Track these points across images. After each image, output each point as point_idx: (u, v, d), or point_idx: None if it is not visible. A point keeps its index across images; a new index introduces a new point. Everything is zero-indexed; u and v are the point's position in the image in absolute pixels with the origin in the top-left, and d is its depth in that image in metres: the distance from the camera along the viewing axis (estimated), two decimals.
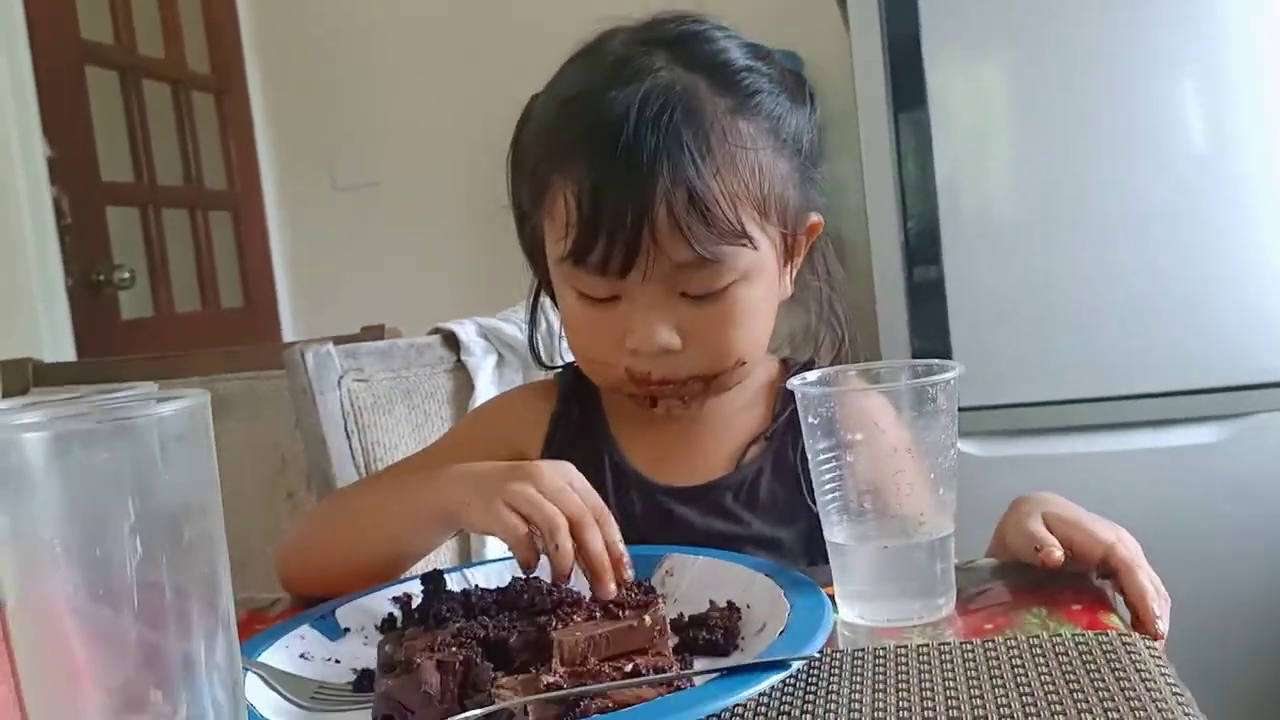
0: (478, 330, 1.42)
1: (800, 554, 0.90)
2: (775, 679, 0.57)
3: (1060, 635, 0.64)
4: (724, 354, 0.87)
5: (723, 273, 0.84)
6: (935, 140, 2.07)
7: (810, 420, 0.70)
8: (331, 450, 1.24)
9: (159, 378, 1.56)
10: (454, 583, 0.77)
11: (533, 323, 1.05)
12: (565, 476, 0.74)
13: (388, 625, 0.75)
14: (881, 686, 0.60)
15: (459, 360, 1.40)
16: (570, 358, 0.98)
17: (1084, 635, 0.64)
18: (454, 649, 0.61)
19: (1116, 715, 0.54)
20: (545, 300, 1.08)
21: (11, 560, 0.50)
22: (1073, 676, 0.59)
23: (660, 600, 0.65)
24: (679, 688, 0.59)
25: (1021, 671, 0.60)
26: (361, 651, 0.72)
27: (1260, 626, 1.90)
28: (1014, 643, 0.64)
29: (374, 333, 1.47)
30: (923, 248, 2.08)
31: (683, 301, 0.84)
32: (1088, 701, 0.56)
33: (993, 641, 0.64)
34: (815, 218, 0.93)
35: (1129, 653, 0.61)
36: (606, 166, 0.81)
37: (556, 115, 0.87)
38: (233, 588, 0.55)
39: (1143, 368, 1.95)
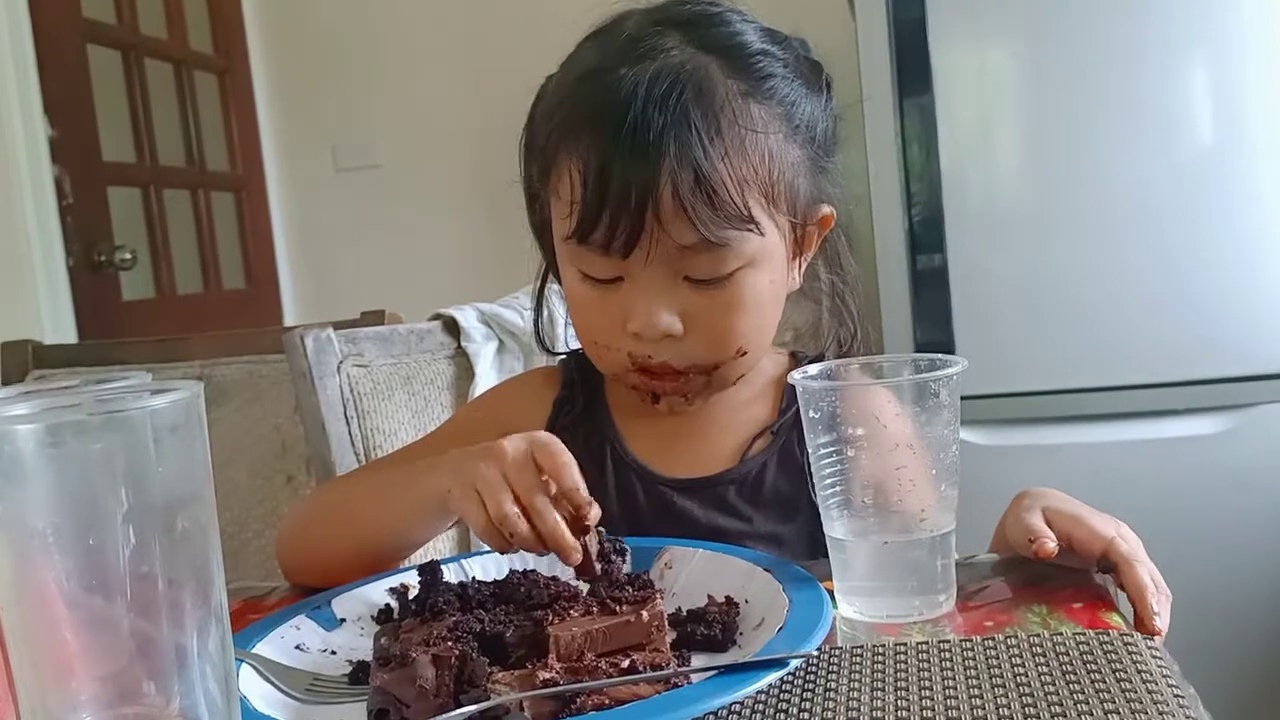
0: (478, 316, 1.41)
1: (803, 550, 0.89)
2: (772, 677, 0.56)
3: (1061, 634, 0.64)
4: (726, 342, 0.85)
5: (727, 258, 0.82)
6: (940, 128, 2.06)
7: (811, 415, 0.70)
8: (331, 436, 1.24)
9: (159, 361, 1.55)
10: (452, 573, 0.77)
11: (538, 308, 1.04)
12: (529, 450, 0.71)
13: (384, 616, 0.74)
14: (880, 685, 0.60)
15: (459, 346, 1.39)
16: (575, 345, 0.97)
17: (1084, 634, 0.63)
18: (450, 643, 0.60)
19: (1117, 716, 0.54)
20: (552, 286, 1.08)
21: (4, 551, 0.50)
22: (1073, 676, 0.58)
23: (658, 595, 0.64)
24: (676, 685, 0.58)
25: (1021, 670, 0.60)
26: (358, 642, 0.72)
27: (1261, 617, 1.89)
28: (1014, 641, 0.63)
29: (374, 319, 1.46)
30: (926, 236, 2.07)
31: (686, 286, 0.83)
32: (1088, 702, 0.55)
33: (992, 640, 0.64)
34: (827, 210, 0.91)
35: (1130, 652, 0.61)
36: (612, 144, 0.81)
37: (567, 93, 0.86)
38: (229, 574, 0.55)
39: (1145, 358, 1.95)
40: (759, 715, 0.58)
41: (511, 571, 0.73)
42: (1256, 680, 1.88)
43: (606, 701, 0.56)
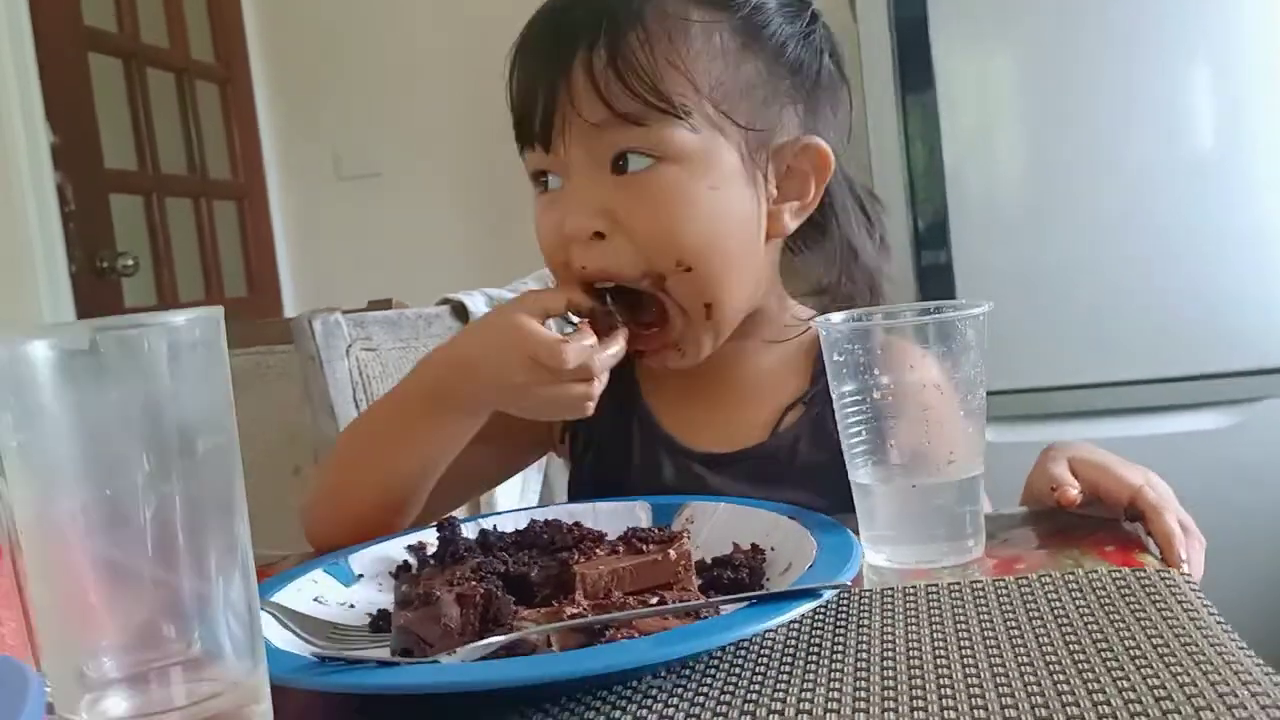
0: (487, 301, 1.40)
1: None
2: (806, 607, 0.55)
3: (1096, 572, 0.62)
4: (655, 244, 0.80)
5: (649, 142, 0.79)
6: (943, 125, 2.06)
7: (835, 358, 0.69)
8: (340, 420, 1.23)
9: None
10: (469, 532, 0.75)
11: None
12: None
13: (403, 572, 0.73)
14: (915, 620, 0.58)
15: None
16: None
17: (1120, 571, 0.62)
18: (474, 583, 0.59)
19: (1165, 647, 0.52)
20: None
21: (23, 481, 0.48)
22: (1112, 609, 0.57)
23: (685, 534, 0.63)
24: (706, 618, 0.57)
25: (1059, 606, 0.58)
26: (376, 597, 0.71)
27: (1269, 613, 1.88)
28: (1048, 579, 0.62)
29: (381, 307, 1.45)
30: (931, 233, 2.07)
31: (613, 186, 0.80)
32: (1134, 637, 0.54)
33: (1026, 579, 0.63)
34: (813, 141, 0.85)
35: (1168, 587, 0.59)
36: (536, 41, 0.83)
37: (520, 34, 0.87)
38: None
39: (1150, 353, 1.94)
40: (791, 651, 0.56)
41: (532, 521, 0.71)
42: None
43: (636, 635, 0.55)
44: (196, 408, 0.48)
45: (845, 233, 0.90)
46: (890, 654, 0.54)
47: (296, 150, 3.18)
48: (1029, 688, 0.49)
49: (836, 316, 0.70)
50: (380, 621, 0.65)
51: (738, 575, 0.65)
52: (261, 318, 3.04)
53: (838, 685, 0.51)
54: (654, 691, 0.53)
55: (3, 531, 0.56)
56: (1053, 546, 0.69)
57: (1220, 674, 0.48)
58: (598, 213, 0.80)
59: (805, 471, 0.86)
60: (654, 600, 0.58)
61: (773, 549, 0.68)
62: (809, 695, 0.51)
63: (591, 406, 0.78)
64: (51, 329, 0.46)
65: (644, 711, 0.51)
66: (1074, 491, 0.70)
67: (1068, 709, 0.47)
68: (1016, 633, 0.56)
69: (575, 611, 0.57)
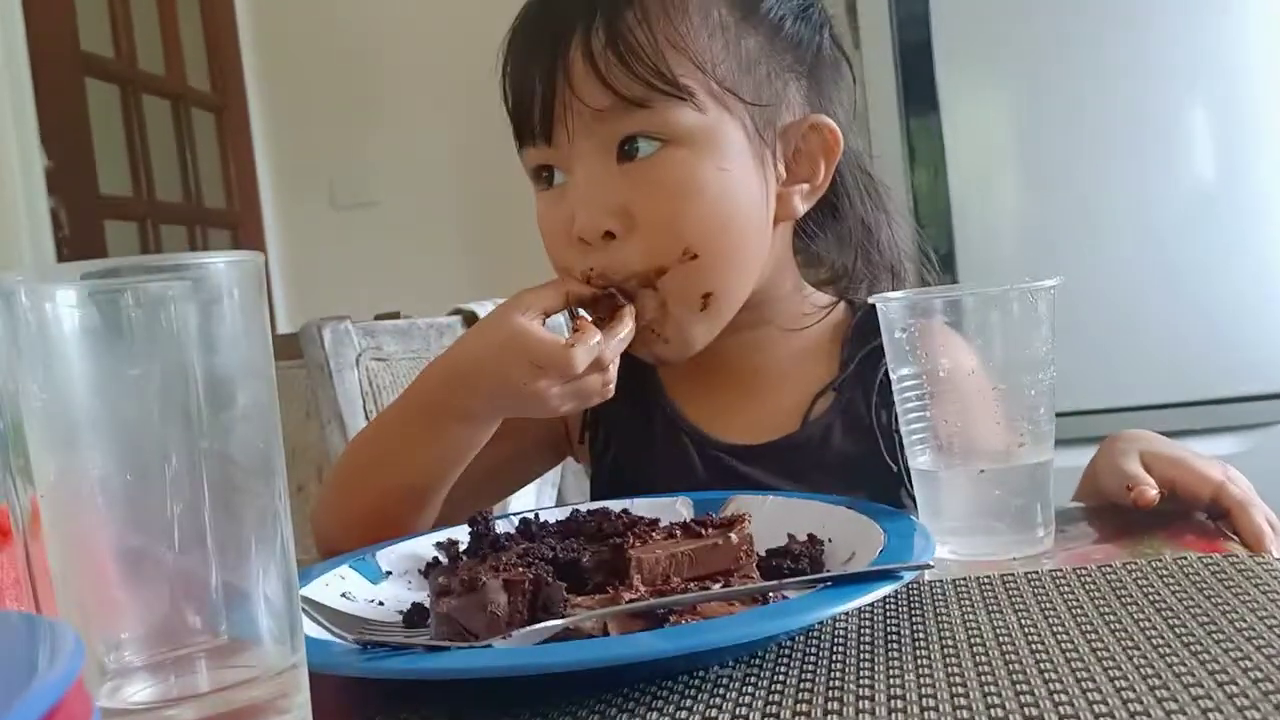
0: None
1: None
2: (886, 589, 0.51)
3: (1185, 558, 0.58)
4: (666, 235, 0.76)
5: (655, 125, 0.75)
6: (948, 152, 2.05)
7: (896, 335, 0.65)
8: (350, 431, 1.18)
9: None
10: (505, 527, 0.71)
11: None
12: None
13: (432, 570, 0.68)
14: (996, 608, 0.54)
15: None
16: None
17: (1211, 557, 0.58)
18: (521, 569, 0.55)
19: None
20: None
21: (46, 446, 0.44)
22: (1215, 595, 0.53)
23: (746, 519, 0.59)
24: (775, 603, 0.53)
25: (1154, 593, 0.54)
26: (406, 595, 0.66)
27: None
28: (1134, 567, 0.58)
29: (388, 319, 1.41)
30: (937, 260, 2.05)
31: (621, 176, 0.76)
32: (1244, 619, 0.49)
33: (1111, 566, 0.59)
34: (821, 119, 0.81)
35: (1269, 572, 0.55)
36: (531, 30, 0.80)
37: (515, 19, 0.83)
38: None
39: (1160, 379, 1.91)
40: (869, 639, 0.52)
41: (575, 511, 0.67)
42: None
43: (700, 620, 0.51)
44: (235, 359, 0.44)
45: (858, 213, 0.87)
46: (980, 641, 0.50)
47: (291, 178, 3.15)
48: (1141, 670, 0.45)
49: (894, 294, 0.67)
50: (414, 616, 0.61)
51: (798, 565, 0.60)
52: None
53: (928, 673, 0.47)
54: (725, 680, 0.49)
55: (16, 518, 0.51)
56: (1125, 539, 0.65)
57: None
58: (609, 210, 0.76)
59: (839, 461, 0.82)
60: (716, 586, 0.54)
61: (830, 540, 0.64)
62: (898, 683, 0.46)
63: (611, 390, 0.75)
64: (76, 269, 0.42)
65: (717, 700, 0.47)
66: (1153, 492, 0.66)
67: (1190, 689, 0.42)
68: (1114, 619, 0.51)
69: (634, 597, 0.52)
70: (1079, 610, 0.53)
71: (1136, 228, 1.95)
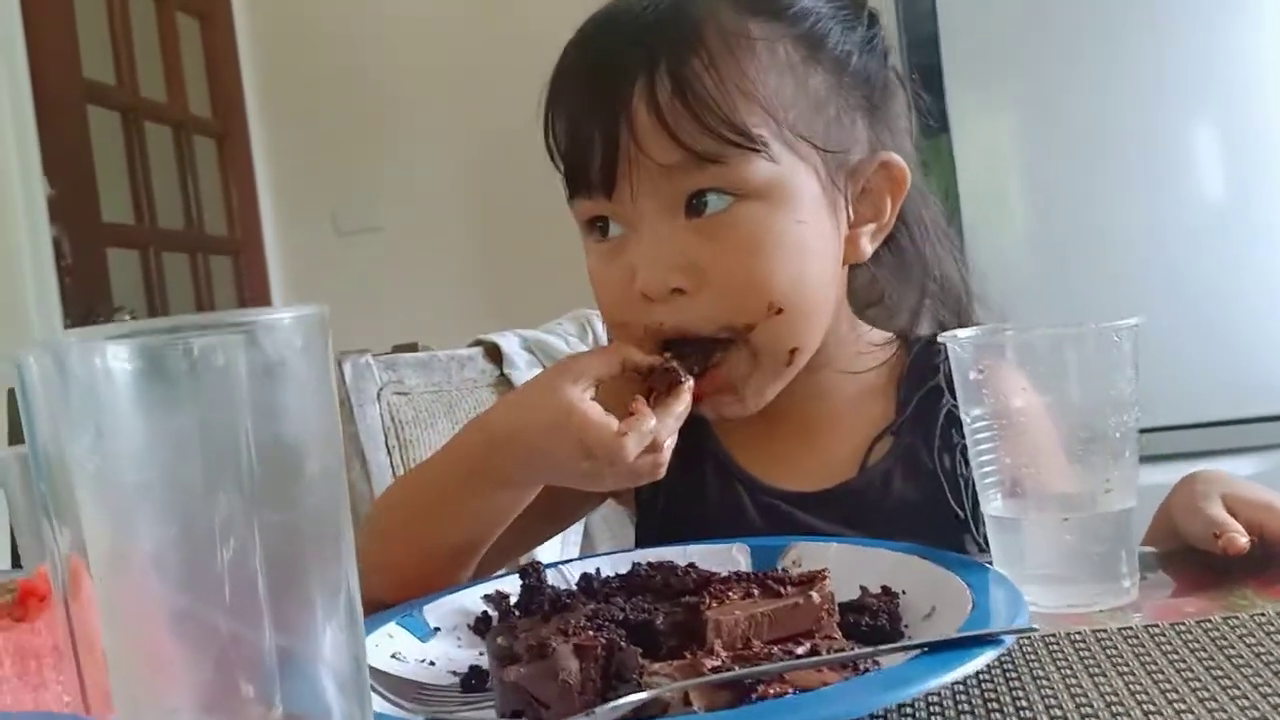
0: (521, 343, 1.33)
1: None
2: (989, 656, 0.48)
3: None
4: (746, 293, 0.72)
5: (728, 180, 0.71)
6: (960, 174, 2.04)
7: (971, 376, 0.62)
8: (372, 466, 1.15)
9: None
10: (557, 579, 0.68)
11: None
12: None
13: (482, 625, 0.65)
14: (1098, 670, 0.51)
15: (502, 374, 1.31)
16: None
17: None
18: (591, 632, 0.51)
19: None
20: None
21: (99, 513, 0.41)
22: None
23: (826, 575, 0.56)
24: (865, 670, 0.49)
25: (1263, 650, 0.51)
26: (456, 654, 0.63)
27: None
28: (1236, 622, 0.55)
29: (406, 351, 1.38)
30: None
31: (689, 231, 0.73)
32: None
33: (1209, 620, 0.56)
34: (892, 158, 0.78)
35: None
36: (586, 75, 0.75)
37: (560, 57, 0.78)
38: None
39: (1174, 400, 1.89)
40: (966, 709, 0.49)
41: (635, 564, 0.64)
42: None
43: (790, 690, 0.48)
44: (301, 424, 0.41)
45: (918, 245, 0.83)
46: (1090, 711, 0.47)
47: (294, 205, 3.12)
48: None
49: (964, 332, 0.64)
50: (472, 680, 0.57)
51: (876, 621, 0.57)
52: None
53: None
54: None
55: (58, 581, 0.48)
56: (1212, 590, 0.62)
57: None
58: (677, 266, 0.72)
59: (900, 508, 0.78)
60: (800, 650, 0.51)
61: (904, 592, 0.61)
62: None
63: (663, 470, 0.70)
64: (132, 328, 0.39)
65: None
66: (1244, 540, 0.62)
67: None
68: (1225, 680, 0.48)
69: (716, 665, 0.49)
70: (1186, 670, 0.50)
71: (1148, 247, 1.94)
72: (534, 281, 2.70)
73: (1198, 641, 0.53)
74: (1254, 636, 0.53)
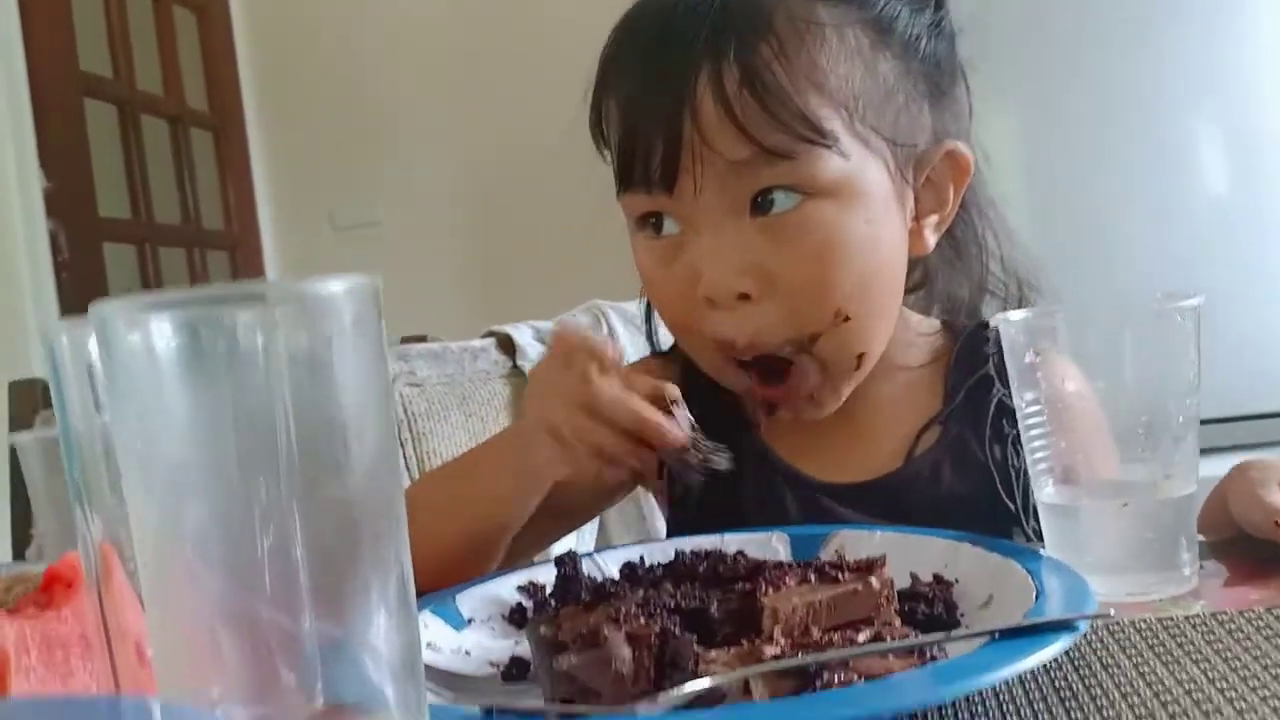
0: (534, 334, 1.31)
1: None
2: (1064, 644, 0.46)
3: None
4: (817, 299, 0.70)
5: (798, 177, 0.68)
6: None
7: (1026, 360, 0.60)
8: (401, 478, 1.13)
9: None
10: (597, 568, 0.66)
11: (648, 316, 0.92)
12: (561, 355, 0.64)
13: (517, 616, 0.63)
14: (1170, 658, 0.49)
15: (515, 365, 1.28)
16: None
17: None
18: (644, 620, 0.49)
19: None
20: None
21: (143, 493, 0.39)
22: None
23: (884, 561, 0.54)
24: (932, 658, 0.47)
25: None
26: (492, 644, 0.61)
27: None
28: None
29: (415, 342, 1.36)
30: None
31: (756, 232, 0.69)
32: None
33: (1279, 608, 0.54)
34: (958, 147, 0.75)
35: None
36: (646, 60, 0.71)
37: (611, 38, 0.75)
38: None
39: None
40: (1039, 699, 0.47)
41: (679, 552, 0.62)
42: None
43: (856, 678, 0.46)
44: (352, 400, 0.39)
45: (981, 236, 0.81)
46: (1171, 698, 0.45)
47: (291, 200, 3.10)
48: None
49: (1016, 314, 0.62)
50: (514, 670, 0.55)
51: (933, 610, 0.55)
52: None
53: None
54: None
55: (90, 568, 0.46)
56: (1269, 577, 0.60)
57: None
58: (743, 269, 0.69)
59: (948, 500, 0.76)
60: (861, 637, 0.49)
61: (957, 580, 0.59)
62: None
63: (623, 462, 0.64)
64: (177, 297, 0.37)
65: None
66: None
67: None
68: None
69: (775, 653, 0.47)
70: (1264, 658, 0.48)
71: (1151, 248, 1.95)
72: (531, 280, 2.68)
73: (1271, 629, 0.51)
74: None
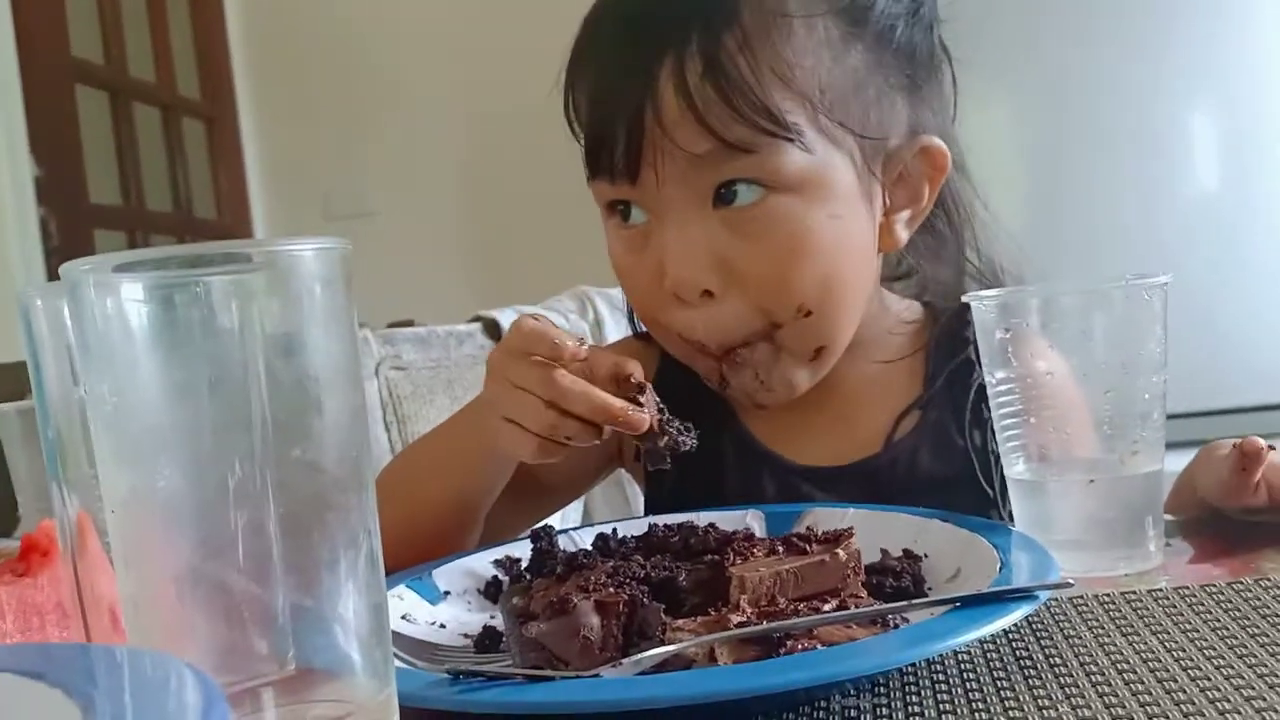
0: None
1: None
2: (1023, 611, 0.46)
3: None
4: (777, 292, 0.69)
5: (760, 170, 0.67)
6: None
7: (998, 337, 0.61)
8: (370, 441, 1.13)
9: None
10: (571, 543, 0.66)
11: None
12: (521, 348, 0.62)
13: (493, 589, 0.64)
14: (1131, 630, 0.50)
15: None
16: None
17: None
18: (612, 589, 0.50)
19: None
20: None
21: (115, 456, 0.39)
22: None
23: (852, 534, 0.54)
24: (895, 627, 0.48)
25: None
26: (467, 617, 0.61)
27: None
28: (1269, 583, 0.54)
29: (402, 327, 1.36)
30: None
31: (720, 224, 0.69)
32: None
33: (1241, 582, 0.55)
34: (933, 142, 0.73)
35: None
36: (609, 50, 0.71)
37: (582, 26, 0.74)
38: None
39: (1172, 389, 1.90)
40: (998, 666, 0.48)
41: (652, 526, 0.62)
42: None
43: (818, 645, 0.46)
44: (322, 362, 0.39)
45: (959, 230, 0.81)
46: (1127, 666, 0.46)
47: (284, 189, 3.09)
48: None
49: (989, 293, 0.63)
50: (487, 639, 0.56)
51: (900, 583, 0.56)
52: None
53: (1081, 700, 0.43)
54: (851, 713, 0.44)
55: (65, 536, 0.46)
56: (1239, 553, 0.61)
57: None
58: (708, 263, 0.69)
59: (926, 484, 0.76)
60: (826, 607, 0.49)
61: (926, 555, 0.59)
62: (1052, 714, 0.42)
63: (575, 436, 0.62)
64: (149, 256, 0.37)
65: None
66: (1262, 441, 0.60)
67: None
68: (1265, 639, 0.47)
69: (742, 621, 0.48)
70: (1222, 629, 0.49)
71: (1143, 239, 1.95)
72: (523, 268, 2.68)
73: (1230, 602, 0.52)
74: None
